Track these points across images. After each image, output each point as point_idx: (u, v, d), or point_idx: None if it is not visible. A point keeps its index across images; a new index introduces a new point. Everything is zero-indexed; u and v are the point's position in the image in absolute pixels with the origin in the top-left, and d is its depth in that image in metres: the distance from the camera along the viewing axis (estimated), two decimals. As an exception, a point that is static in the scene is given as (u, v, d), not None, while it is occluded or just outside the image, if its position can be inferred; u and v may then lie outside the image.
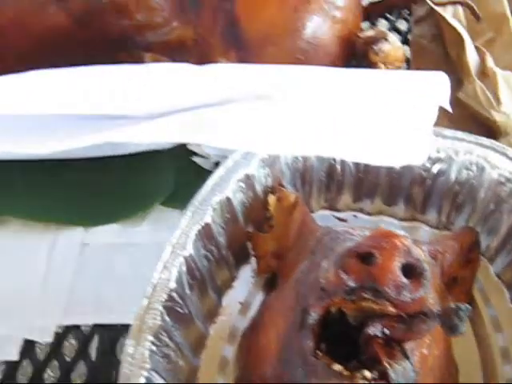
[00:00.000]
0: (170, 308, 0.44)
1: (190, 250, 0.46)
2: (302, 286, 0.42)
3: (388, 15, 0.79)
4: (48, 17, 0.58)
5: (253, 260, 0.52)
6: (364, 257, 0.36)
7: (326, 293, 0.38)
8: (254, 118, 0.50)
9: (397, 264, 0.35)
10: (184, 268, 0.45)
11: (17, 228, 0.57)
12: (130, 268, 0.54)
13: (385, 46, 0.59)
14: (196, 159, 0.59)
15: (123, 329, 0.51)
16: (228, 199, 0.49)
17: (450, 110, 0.49)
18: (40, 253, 0.55)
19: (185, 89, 0.49)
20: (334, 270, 0.37)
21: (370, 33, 0.61)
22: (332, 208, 0.56)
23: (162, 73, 0.50)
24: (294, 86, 0.50)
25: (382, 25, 0.78)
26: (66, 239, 0.56)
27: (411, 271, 0.36)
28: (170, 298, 0.44)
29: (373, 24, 0.76)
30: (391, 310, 0.36)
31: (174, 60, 0.57)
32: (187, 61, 0.54)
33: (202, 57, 0.57)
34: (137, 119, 0.48)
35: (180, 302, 0.45)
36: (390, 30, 0.77)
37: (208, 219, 0.48)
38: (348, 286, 0.36)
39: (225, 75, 0.50)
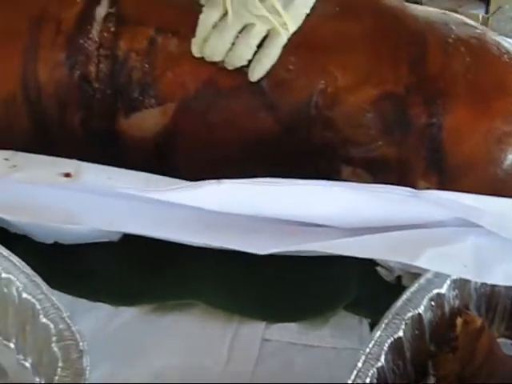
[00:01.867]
0: (360, 416, 0.44)
1: (382, 361, 0.47)
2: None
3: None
4: (258, 121, 0.61)
5: (431, 379, 0.52)
6: None
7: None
8: (454, 243, 0.52)
9: None
10: (375, 379, 0.46)
11: (202, 314, 0.59)
12: (308, 370, 0.55)
13: None
14: (380, 270, 0.60)
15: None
16: (419, 315, 0.51)
17: None
18: (222, 342, 0.57)
19: (391, 210, 0.51)
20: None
21: None
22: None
23: (375, 193, 0.52)
24: (496, 216, 0.51)
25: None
26: (248, 332, 0.58)
27: None
28: (361, 406, 0.45)
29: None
30: None
31: (374, 176, 0.59)
32: (387, 178, 0.57)
33: (402, 176, 0.59)
34: (339, 231, 0.50)
35: (369, 410, 0.45)
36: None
37: (400, 333, 0.49)
38: None
39: (429, 200, 0.52)
